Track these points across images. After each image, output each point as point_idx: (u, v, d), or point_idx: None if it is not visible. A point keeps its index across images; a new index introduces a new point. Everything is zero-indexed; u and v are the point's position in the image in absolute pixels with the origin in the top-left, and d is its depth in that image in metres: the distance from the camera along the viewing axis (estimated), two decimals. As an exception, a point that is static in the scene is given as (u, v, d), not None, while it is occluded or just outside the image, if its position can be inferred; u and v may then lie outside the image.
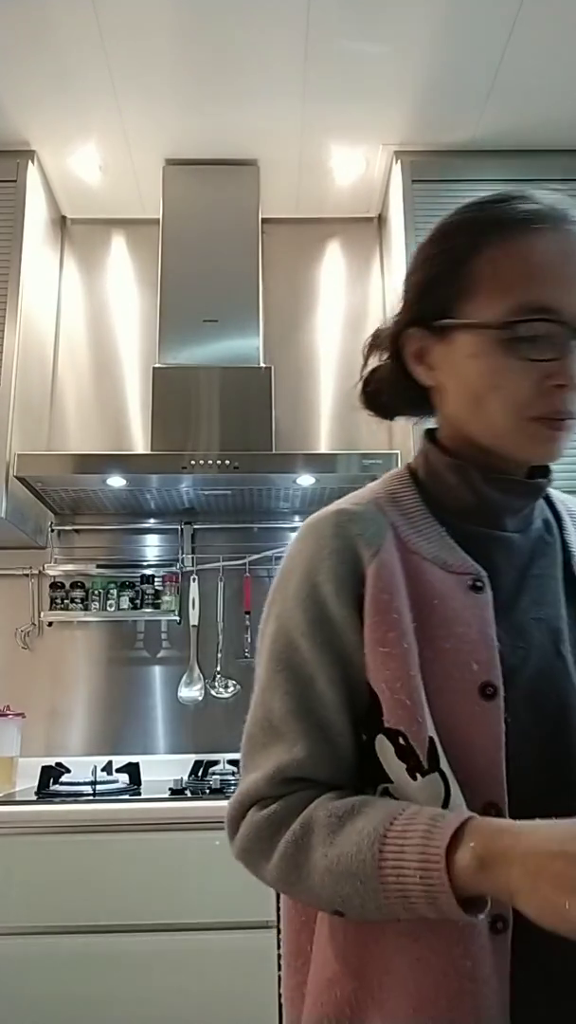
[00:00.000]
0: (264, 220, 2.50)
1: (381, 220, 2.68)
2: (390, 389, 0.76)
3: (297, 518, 2.42)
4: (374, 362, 0.77)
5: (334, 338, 2.60)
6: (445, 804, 0.59)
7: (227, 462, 2.02)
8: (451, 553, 0.67)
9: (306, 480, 2.10)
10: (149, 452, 2.25)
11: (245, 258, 2.39)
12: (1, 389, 2.15)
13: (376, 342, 0.77)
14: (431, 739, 0.59)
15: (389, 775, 0.62)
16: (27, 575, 2.37)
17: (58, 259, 2.64)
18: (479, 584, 0.65)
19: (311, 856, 0.58)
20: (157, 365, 2.30)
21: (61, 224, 2.68)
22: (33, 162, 2.37)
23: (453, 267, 0.66)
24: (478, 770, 0.59)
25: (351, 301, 2.64)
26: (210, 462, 2.03)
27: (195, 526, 2.41)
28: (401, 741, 0.60)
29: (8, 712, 2.08)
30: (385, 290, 2.63)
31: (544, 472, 0.72)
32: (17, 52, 2.02)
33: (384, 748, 0.62)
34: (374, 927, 0.61)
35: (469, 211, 0.68)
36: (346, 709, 0.64)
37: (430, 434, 0.74)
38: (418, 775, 0.59)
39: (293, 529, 2.42)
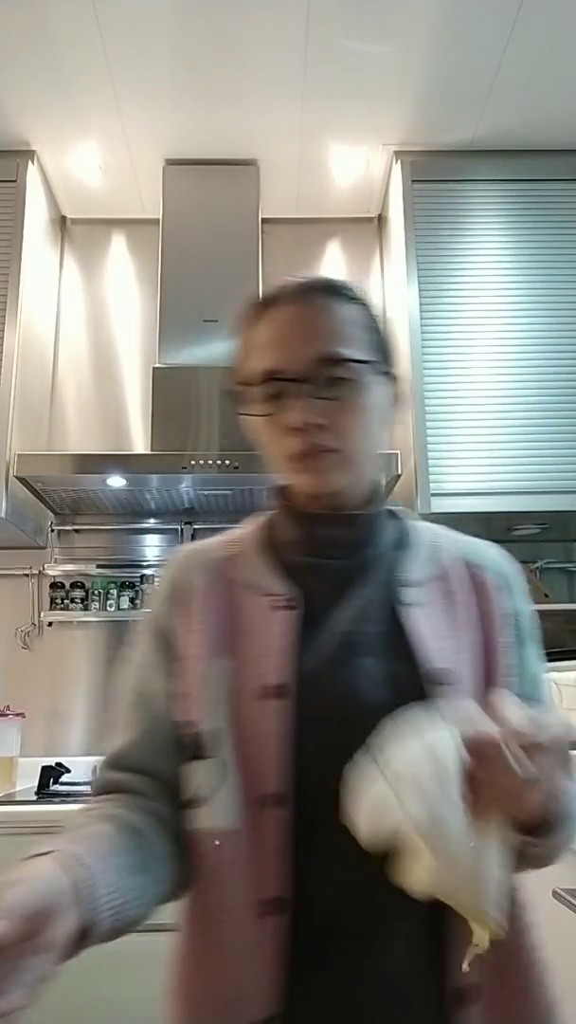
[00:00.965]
0: (264, 220, 2.50)
1: (381, 220, 2.68)
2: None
3: (297, 518, 2.42)
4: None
5: (334, 338, 2.60)
6: (219, 789, 0.69)
7: (227, 462, 2.02)
8: (267, 579, 0.78)
9: (306, 480, 2.10)
10: (149, 452, 2.25)
11: (245, 258, 2.39)
12: (1, 389, 2.16)
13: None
14: (200, 732, 0.71)
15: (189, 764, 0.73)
16: (27, 575, 2.37)
17: (58, 259, 2.64)
18: (285, 603, 0.76)
19: None
20: (157, 365, 2.30)
21: (61, 224, 2.68)
22: (33, 162, 2.37)
23: (234, 351, 0.81)
24: (263, 762, 0.68)
25: (351, 301, 2.64)
26: (210, 462, 2.03)
27: (195, 526, 2.41)
28: (184, 732, 0.73)
29: (8, 712, 2.08)
30: (385, 290, 2.63)
31: (371, 504, 0.81)
32: (17, 52, 2.02)
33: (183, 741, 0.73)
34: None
35: (244, 308, 0.82)
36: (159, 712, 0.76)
37: (281, 486, 0.84)
38: (194, 760, 0.71)
39: (293, 529, 2.42)
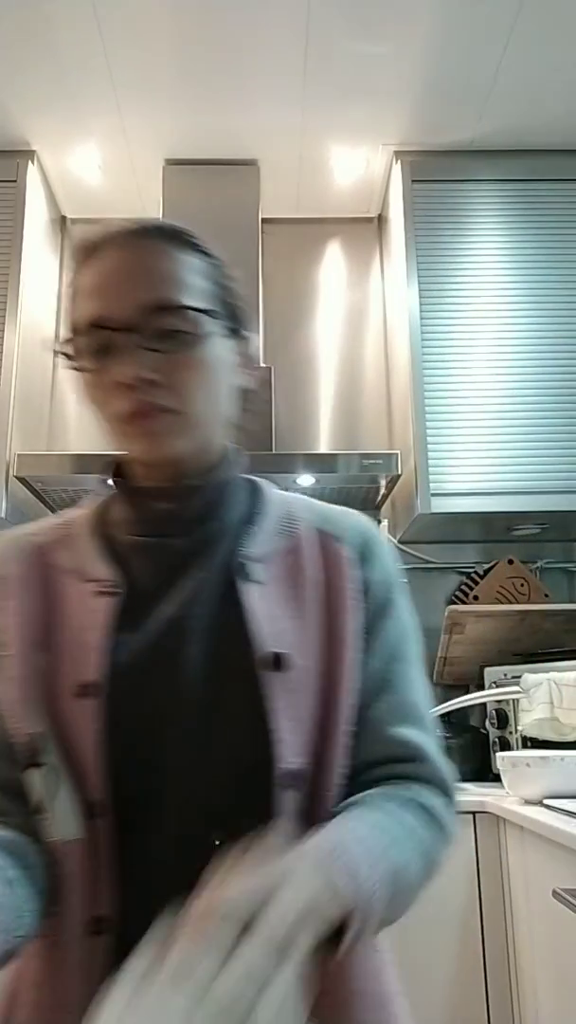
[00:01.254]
0: (264, 220, 2.51)
1: (381, 220, 2.68)
2: None
3: (297, 518, 2.42)
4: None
5: (334, 338, 2.60)
6: (55, 797, 0.61)
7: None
8: (87, 563, 0.70)
9: (306, 480, 2.10)
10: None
11: (245, 258, 2.39)
12: (1, 389, 2.16)
13: None
14: (30, 735, 0.62)
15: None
16: (27, 575, 2.36)
17: (58, 259, 2.64)
18: (105, 590, 0.67)
19: None
20: (157, 365, 2.29)
21: (61, 224, 2.68)
22: (33, 162, 2.37)
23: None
24: (81, 766, 0.61)
25: (351, 301, 2.64)
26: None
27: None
28: (15, 738, 0.64)
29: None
30: (385, 290, 2.63)
31: (209, 474, 0.73)
32: (17, 52, 2.02)
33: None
34: None
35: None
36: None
37: (117, 462, 0.76)
38: (31, 769, 0.62)
39: (293, 529, 2.42)
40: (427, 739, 0.69)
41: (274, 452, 2.21)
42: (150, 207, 2.55)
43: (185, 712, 0.62)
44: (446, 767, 0.69)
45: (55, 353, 0.71)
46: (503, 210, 2.35)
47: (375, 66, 2.08)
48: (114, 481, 0.74)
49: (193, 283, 0.68)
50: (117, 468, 0.75)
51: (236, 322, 0.73)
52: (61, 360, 0.69)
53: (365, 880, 0.52)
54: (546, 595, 2.27)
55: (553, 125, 2.30)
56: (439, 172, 2.37)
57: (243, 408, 0.78)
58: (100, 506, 0.76)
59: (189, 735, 0.62)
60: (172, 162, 2.45)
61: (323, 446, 2.50)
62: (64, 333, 0.69)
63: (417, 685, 0.72)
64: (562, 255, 2.30)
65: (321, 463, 2.09)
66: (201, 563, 0.69)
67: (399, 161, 2.39)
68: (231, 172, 2.45)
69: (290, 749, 0.62)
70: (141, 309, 0.65)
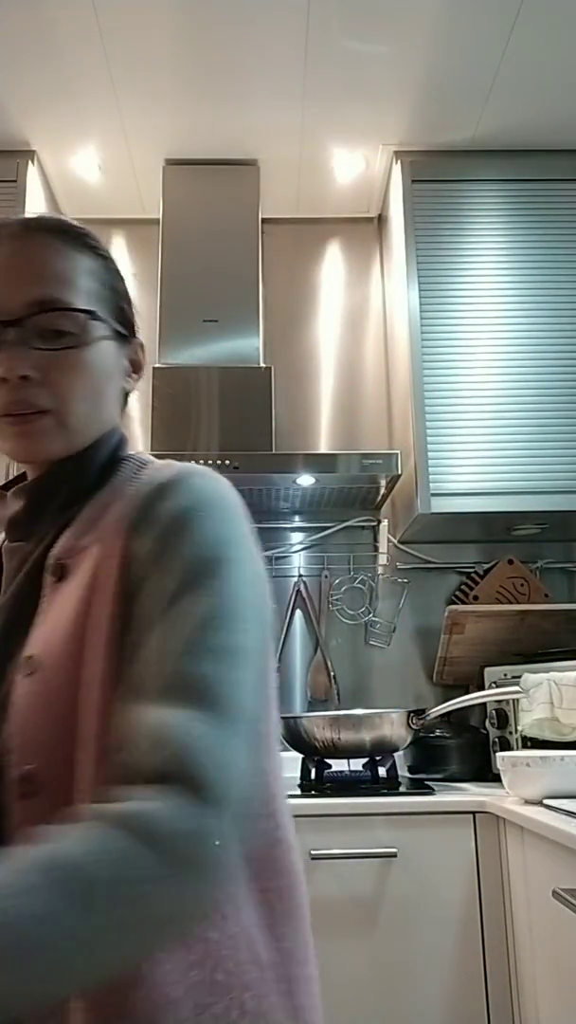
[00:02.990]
0: (264, 220, 2.50)
1: (381, 220, 2.68)
2: None
3: (297, 518, 2.42)
4: None
5: (334, 338, 2.60)
6: None
7: (227, 462, 2.02)
8: None
9: (306, 480, 2.10)
10: (149, 452, 2.24)
11: (245, 258, 2.39)
12: (1, 389, 2.15)
13: None
14: None
15: None
16: (27, 575, 2.36)
17: (58, 259, 2.63)
18: None
19: None
20: (157, 365, 2.29)
21: (61, 224, 2.67)
22: (33, 162, 2.37)
23: None
24: None
25: (351, 301, 2.64)
26: (210, 462, 2.03)
27: (195, 526, 2.40)
28: None
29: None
30: (385, 290, 2.63)
31: (54, 473, 0.69)
32: (17, 52, 2.02)
33: None
34: None
35: None
36: None
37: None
38: None
39: (293, 529, 2.42)
40: (185, 720, 0.52)
41: (274, 452, 2.21)
42: (150, 207, 2.55)
43: None
44: (210, 757, 0.51)
45: None
46: (503, 210, 2.35)
47: (375, 66, 2.08)
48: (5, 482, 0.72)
49: (81, 283, 0.67)
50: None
51: (124, 326, 0.72)
52: None
53: None
54: (546, 595, 2.27)
55: (553, 125, 2.30)
56: (439, 172, 2.37)
57: (124, 412, 0.77)
58: None
59: None
60: (172, 162, 2.45)
61: (323, 446, 2.50)
62: None
63: (194, 654, 0.55)
64: (562, 255, 2.30)
65: (321, 463, 2.09)
66: (30, 565, 0.66)
67: (399, 161, 2.39)
68: (231, 172, 2.45)
69: (23, 752, 0.57)
70: (25, 305, 0.64)
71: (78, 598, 0.61)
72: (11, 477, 0.77)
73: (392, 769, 1.77)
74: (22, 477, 0.73)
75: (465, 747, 2.02)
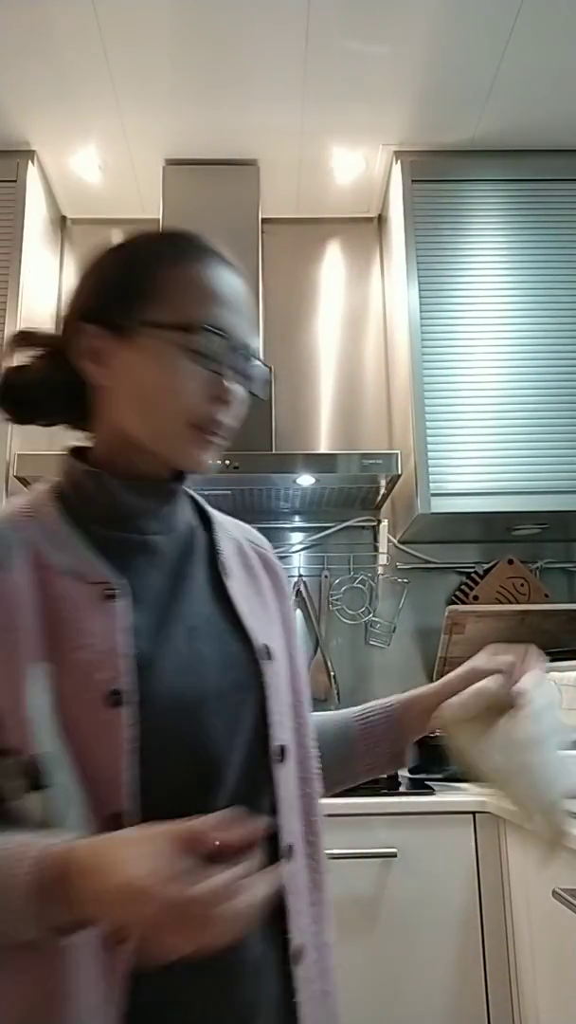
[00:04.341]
0: (264, 220, 2.50)
1: (381, 220, 2.68)
2: (43, 389, 0.76)
3: (297, 518, 2.42)
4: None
5: (334, 338, 2.60)
6: (67, 816, 0.59)
7: (227, 462, 2.02)
8: (86, 564, 0.67)
9: (306, 480, 2.10)
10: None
11: (245, 258, 2.36)
12: (1, 389, 2.15)
13: (23, 340, 0.77)
14: (36, 756, 0.59)
15: (2, 794, 0.61)
16: (27, 575, 2.36)
17: (58, 259, 2.64)
18: (111, 592, 0.66)
19: None
20: (157, 365, 2.29)
21: (61, 224, 2.68)
22: (33, 162, 2.37)
23: (134, 275, 0.72)
24: (102, 780, 0.59)
25: (351, 301, 2.64)
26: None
27: (195, 526, 2.40)
28: (11, 760, 0.60)
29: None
30: (385, 290, 2.63)
31: (179, 476, 0.77)
32: (17, 52, 2.02)
33: None
34: None
35: (146, 234, 0.77)
36: None
37: (73, 449, 0.77)
38: (33, 791, 0.59)
39: (293, 529, 2.42)
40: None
41: (274, 452, 2.21)
42: (150, 207, 2.55)
43: (214, 707, 0.66)
44: None
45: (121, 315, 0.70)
46: (503, 210, 2.35)
47: (375, 66, 2.08)
48: (98, 474, 0.73)
49: None
50: (80, 453, 0.76)
51: None
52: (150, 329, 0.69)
53: None
54: (546, 595, 2.27)
55: (553, 125, 2.30)
56: (439, 172, 2.37)
57: None
58: (54, 493, 0.74)
59: (223, 725, 0.66)
60: (172, 162, 2.45)
61: (323, 446, 2.50)
62: (177, 314, 0.69)
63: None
64: (562, 255, 2.30)
65: (321, 463, 2.09)
66: (185, 562, 0.74)
67: (399, 161, 2.39)
68: (231, 172, 2.45)
69: (281, 728, 0.71)
70: (252, 339, 0.73)
71: (272, 604, 0.79)
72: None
73: (392, 769, 1.77)
74: (86, 457, 0.75)
75: (465, 747, 2.02)
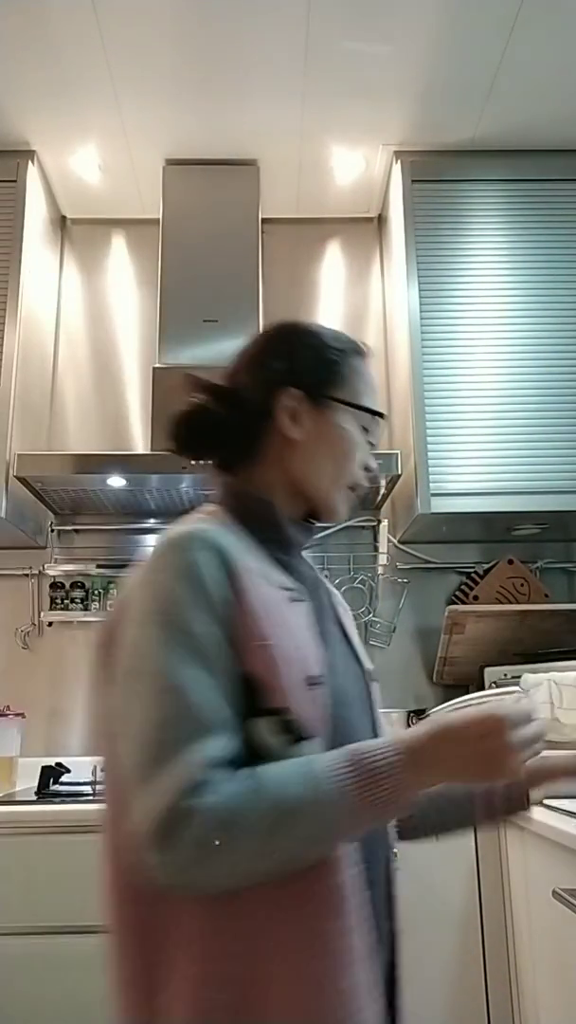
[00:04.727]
0: (264, 220, 2.50)
1: (381, 220, 2.68)
2: (222, 432, 0.89)
3: (297, 518, 2.42)
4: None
5: (334, 338, 2.60)
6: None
7: (227, 462, 2.02)
8: (273, 573, 0.80)
9: (306, 480, 2.10)
10: (149, 452, 2.24)
11: (245, 258, 2.39)
12: (1, 389, 2.15)
13: (194, 385, 0.93)
14: (295, 718, 0.71)
15: (267, 751, 0.70)
16: (27, 575, 2.37)
17: (58, 259, 2.64)
18: (297, 598, 0.80)
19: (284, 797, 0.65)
20: (157, 365, 2.30)
21: (61, 224, 2.68)
22: (33, 162, 2.37)
23: (331, 361, 0.89)
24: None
25: (351, 301, 2.64)
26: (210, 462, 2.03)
27: (195, 526, 2.40)
28: (286, 718, 0.70)
29: (8, 712, 2.08)
30: (385, 290, 2.63)
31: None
32: (17, 52, 2.02)
33: (261, 728, 0.70)
34: (257, 913, 0.68)
35: (331, 329, 0.94)
36: (229, 697, 0.71)
37: (236, 481, 0.89)
38: (300, 743, 0.70)
39: (293, 529, 2.42)
40: None
41: (274, 452, 2.21)
42: (150, 207, 2.55)
43: (363, 703, 0.84)
44: None
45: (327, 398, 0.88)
46: (503, 210, 2.35)
47: (375, 66, 2.08)
48: (273, 506, 0.87)
49: None
50: (259, 494, 0.90)
51: None
52: (343, 412, 0.88)
53: None
54: (546, 595, 2.27)
55: (553, 125, 2.30)
56: (439, 172, 2.37)
57: None
58: (220, 520, 0.83)
59: (367, 716, 0.84)
60: (172, 162, 2.45)
61: (323, 446, 2.49)
62: (358, 397, 0.89)
63: None
64: (562, 255, 2.30)
65: (321, 463, 2.08)
66: (317, 591, 0.88)
67: (399, 161, 2.39)
68: (231, 172, 2.45)
69: (381, 732, 0.86)
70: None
71: (348, 631, 0.91)
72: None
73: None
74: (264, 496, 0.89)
75: (465, 747, 2.02)
